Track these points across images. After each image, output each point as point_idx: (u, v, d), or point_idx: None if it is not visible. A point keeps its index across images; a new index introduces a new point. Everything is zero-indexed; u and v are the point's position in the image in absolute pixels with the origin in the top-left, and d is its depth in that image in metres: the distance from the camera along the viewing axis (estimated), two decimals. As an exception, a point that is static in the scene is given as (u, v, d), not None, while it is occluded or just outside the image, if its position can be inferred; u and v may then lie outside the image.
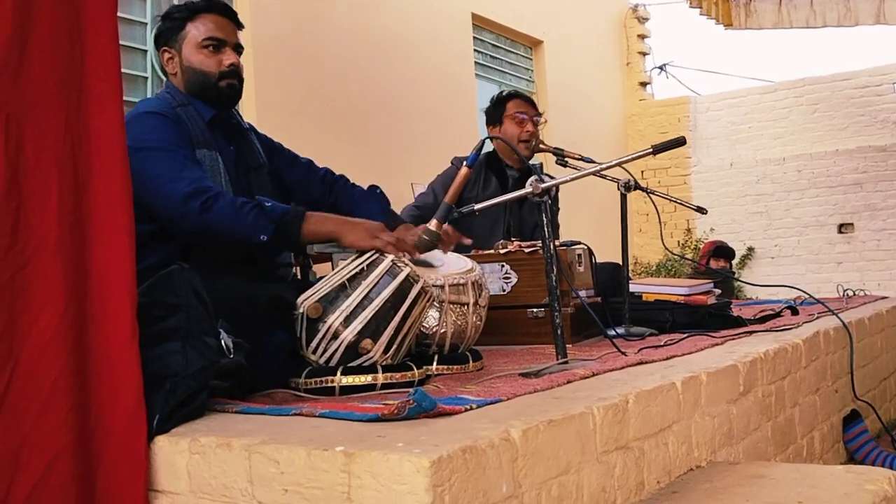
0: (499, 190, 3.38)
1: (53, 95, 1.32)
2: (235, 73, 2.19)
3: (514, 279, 2.77)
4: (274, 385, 1.79)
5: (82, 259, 1.33)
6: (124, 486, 1.32)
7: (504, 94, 3.55)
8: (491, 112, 3.51)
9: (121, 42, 4.98)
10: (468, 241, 2.27)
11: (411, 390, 1.39)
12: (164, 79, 2.27)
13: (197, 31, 2.15)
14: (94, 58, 1.39)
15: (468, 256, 2.42)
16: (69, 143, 1.32)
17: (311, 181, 2.39)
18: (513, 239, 3.26)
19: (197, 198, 1.90)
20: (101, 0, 1.40)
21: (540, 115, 3.51)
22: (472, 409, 1.43)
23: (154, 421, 1.37)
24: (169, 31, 2.18)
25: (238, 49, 2.23)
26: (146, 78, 4.53)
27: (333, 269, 1.92)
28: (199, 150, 2.07)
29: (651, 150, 2.18)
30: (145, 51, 4.54)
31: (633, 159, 2.21)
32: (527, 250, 2.75)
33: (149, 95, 4.45)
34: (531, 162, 3.60)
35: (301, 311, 1.79)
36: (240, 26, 2.26)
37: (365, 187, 2.45)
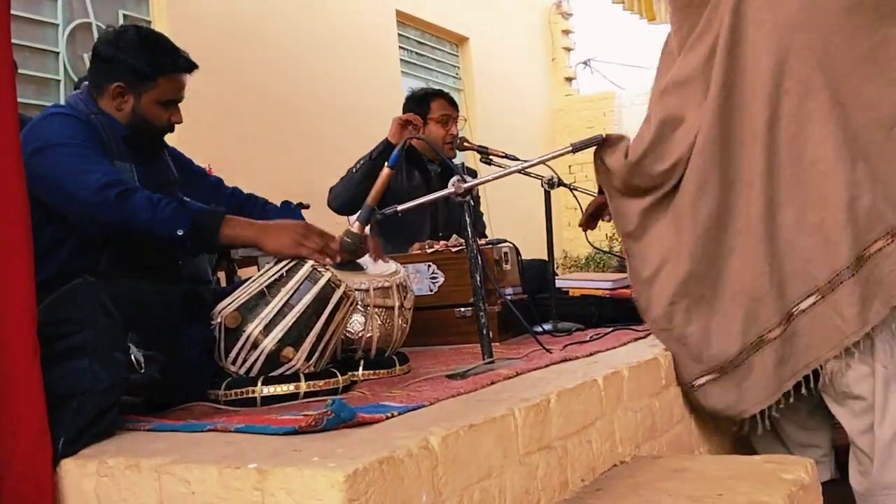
0: (423, 183, 3.36)
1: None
2: (173, 129, 2.17)
3: (441, 279, 2.76)
4: (197, 381, 1.74)
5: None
6: (29, 514, 1.26)
7: (426, 92, 3.54)
8: (413, 109, 3.49)
9: (31, 44, 4.73)
10: (388, 261, 2.26)
11: (329, 400, 1.36)
12: (76, 81, 2.19)
13: (167, 88, 2.08)
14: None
15: (394, 257, 2.40)
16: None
17: (219, 198, 2.33)
18: (441, 234, 3.26)
19: (113, 188, 1.84)
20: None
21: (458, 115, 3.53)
22: (393, 416, 1.41)
23: (59, 443, 1.31)
24: (133, 72, 2.05)
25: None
26: (58, 81, 4.36)
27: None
28: (114, 161, 2.01)
29: (570, 148, 2.20)
30: (57, 53, 4.37)
31: (553, 158, 2.23)
32: (454, 250, 2.74)
33: (61, 99, 4.29)
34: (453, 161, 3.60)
35: (219, 320, 1.74)
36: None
37: (290, 190, 2.42)
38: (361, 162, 3.22)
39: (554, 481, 1.49)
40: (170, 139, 2.27)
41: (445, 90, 3.74)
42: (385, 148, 3.07)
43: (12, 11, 1.35)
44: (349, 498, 1.03)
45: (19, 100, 1.39)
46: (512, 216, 6.47)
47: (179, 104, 2.15)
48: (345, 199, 3.23)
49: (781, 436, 2.29)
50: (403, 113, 3.54)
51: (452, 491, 1.22)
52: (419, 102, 3.48)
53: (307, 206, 4.16)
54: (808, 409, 2.25)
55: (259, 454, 1.17)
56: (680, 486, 1.53)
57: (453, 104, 3.51)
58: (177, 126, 2.17)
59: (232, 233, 1.90)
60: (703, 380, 2.14)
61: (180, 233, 1.85)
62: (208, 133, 4.61)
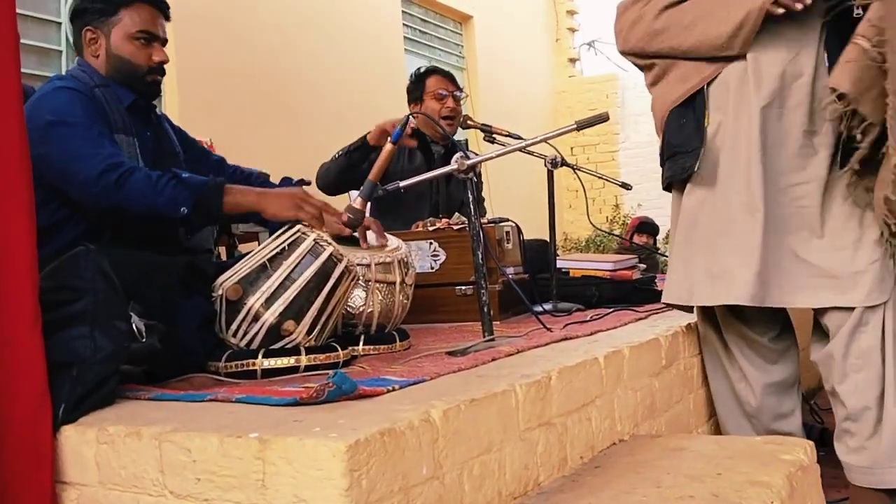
0: (424, 165, 3.35)
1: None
2: (162, 70, 2.16)
3: (442, 257, 2.75)
4: (196, 353, 1.73)
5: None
6: (29, 478, 1.26)
7: (423, 70, 3.53)
8: (412, 89, 3.49)
9: (32, 14, 4.68)
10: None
11: (331, 373, 1.36)
12: (77, 56, 2.18)
13: (131, 20, 2.08)
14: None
15: (396, 234, 2.39)
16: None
17: (220, 176, 2.31)
18: (441, 216, 3.25)
19: (111, 173, 1.84)
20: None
21: (461, 90, 3.50)
22: (394, 390, 1.40)
23: (59, 410, 1.31)
24: (97, 12, 2.08)
25: (164, 44, 2.18)
26: (60, 52, 4.33)
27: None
28: (116, 135, 2.01)
29: (575, 125, 2.18)
30: (59, 23, 4.34)
31: (558, 135, 2.21)
32: (455, 228, 2.74)
33: (63, 69, 4.27)
34: (456, 138, 3.58)
35: (220, 292, 1.73)
36: (168, 19, 2.20)
37: (291, 166, 2.41)
38: (340, 153, 3.20)
39: (553, 458, 1.49)
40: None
41: (448, 69, 3.71)
42: (361, 146, 3.02)
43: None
44: (350, 468, 1.03)
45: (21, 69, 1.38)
46: (512, 197, 6.45)
47: (159, 43, 2.13)
48: (324, 182, 3.22)
49: (754, 425, 2.26)
50: (408, 95, 3.54)
51: (453, 464, 1.22)
52: (416, 83, 3.49)
53: (308, 183, 4.14)
54: (777, 395, 2.23)
55: (260, 424, 1.17)
56: (679, 465, 1.53)
57: (449, 78, 3.50)
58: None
59: (234, 199, 1.91)
60: None
61: (184, 210, 1.85)
62: (210, 108, 4.58)
